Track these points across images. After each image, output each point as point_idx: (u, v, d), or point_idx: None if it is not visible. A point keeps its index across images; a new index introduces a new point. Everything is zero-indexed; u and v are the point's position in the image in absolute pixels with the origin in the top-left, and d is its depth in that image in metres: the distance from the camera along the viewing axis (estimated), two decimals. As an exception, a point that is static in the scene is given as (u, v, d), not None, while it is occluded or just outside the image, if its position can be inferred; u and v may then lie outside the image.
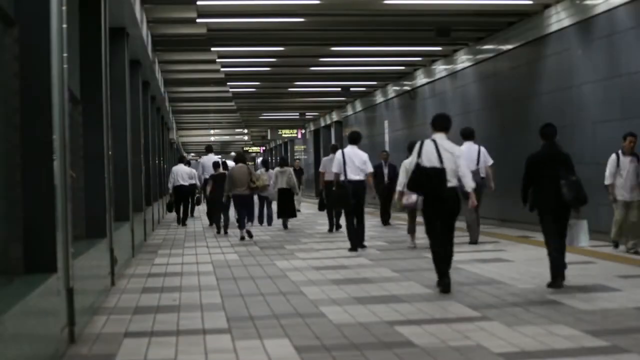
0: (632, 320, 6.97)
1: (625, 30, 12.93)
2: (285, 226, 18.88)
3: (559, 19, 14.99)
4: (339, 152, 13.61)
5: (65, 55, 6.80)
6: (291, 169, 20.08)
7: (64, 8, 6.82)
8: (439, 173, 8.57)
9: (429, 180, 8.57)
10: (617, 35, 13.16)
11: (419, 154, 8.72)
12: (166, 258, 13.47)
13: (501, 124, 18.08)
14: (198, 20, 15.58)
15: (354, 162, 13.31)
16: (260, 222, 19.77)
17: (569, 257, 11.42)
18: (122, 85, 13.62)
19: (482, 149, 13.84)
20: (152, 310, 8.23)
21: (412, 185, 8.81)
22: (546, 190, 8.81)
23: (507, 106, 17.72)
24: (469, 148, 13.53)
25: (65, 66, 6.77)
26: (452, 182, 8.66)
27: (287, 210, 18.70)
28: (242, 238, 16.10)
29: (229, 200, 16.94)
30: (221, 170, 19.41)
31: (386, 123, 28.03)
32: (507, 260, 11.50)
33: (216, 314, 7.85)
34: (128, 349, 6.46)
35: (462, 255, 12.11)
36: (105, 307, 8.55)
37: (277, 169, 19.36)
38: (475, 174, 12.63)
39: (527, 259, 11.46)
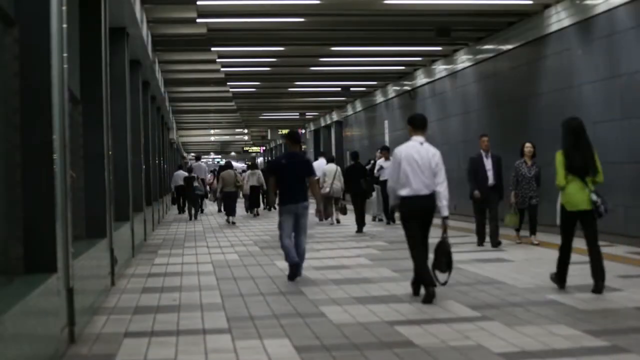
0: (632, 320, 6.97)
1: (625, 30, 12.93)
2: (257, 214, 25.42)
3: (559, 19, 14.98)
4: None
5: (65, 55, 6.80)
6: (259, 171, 26.06)
7: (64, 8, 6.82)
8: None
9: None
10: (617, 35, 13.15)
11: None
12: (166, 258, 13.47)
13: (501, 124, 18.07)
14: (198, 20, 15.58)
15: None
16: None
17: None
18: (122, 85, 13.62)
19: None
20: (152, 310, 8.23)
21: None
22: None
23: (507, 106, 17.72)
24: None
25: (65, 66, 6.77)
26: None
27: (256, 203, 25.93)
28: (231, 222, 22.02)
29: (224, 195, 22.86)
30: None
31: (386, 123, 28.03)
32: (507, 260, 11.50)
33: (216, 314, 7.86)
34: (128, 349, 6.46)
35: (462, 255, 12.11)
36: (105, 307, 8.55)
37: (249, 171, 26.19)
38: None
39: (527, 259, 11.46)
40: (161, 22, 16.65)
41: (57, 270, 6.18)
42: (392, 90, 27.02)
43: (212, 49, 18.88)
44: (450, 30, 17.06)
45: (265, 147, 69.24)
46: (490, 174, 13.29)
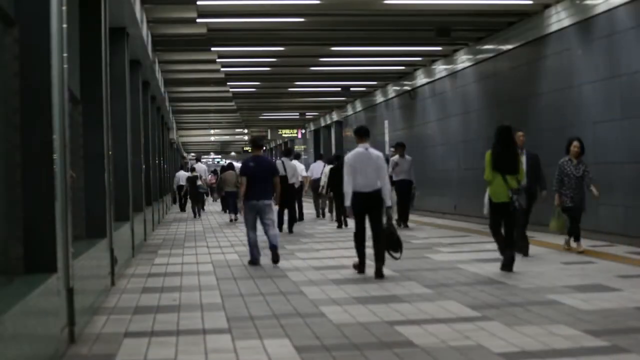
0: (632, 320, 6.97)
1: (625, 30, 12.93)
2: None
3: (559, 19, 14.98)
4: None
5: (65, 55, 6.80)
6: None
7: (64, 8, 6.82)
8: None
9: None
10: (617, 35, 13.16)
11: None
12: (166, 258, 13.47)
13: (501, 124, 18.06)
14: (198, 20, 15.58)
15: None
16: None
17: (569, 256, 11.45)
18: (122, 85, 13.63)
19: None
20: (152, 310, 8.23)
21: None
22: None
23: (507, 106, 17.72)
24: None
25: (65, 66, 6.77)
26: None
27: None
28: (233, 219, 23.14)
29: (226, 195, 24.09)
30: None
31: (386, 123, 28.03)
32: (507, 260, 11.47)
33: (216, 314, 7.86)
34: (128, 349, 6.46)
35: (462, 255, 12.12)
36: (105, 307, 8.55)
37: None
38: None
39: (527, 259, 11.45)
40: (161, 22, 16.65)
41: (57, 270, 6.18)
42: (392, 90, 27.01)
43: (212, 49, 18.88)
44: (450, 30, 17.06)
45: (265, 147, 69.23)
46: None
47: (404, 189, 17.70)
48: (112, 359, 6.16)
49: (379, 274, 9.96)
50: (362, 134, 10.57)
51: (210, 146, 70.33)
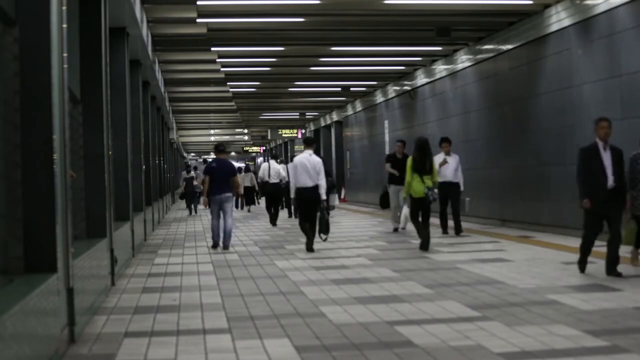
0: (632, 320, 6.97)
1: (625, 30, 12.93)
2: (249, 211, 29.46)
3: (559, 19, 14.98)
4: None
5: (65, 55, 6.79)
6: (252, 173, 30.78)
7: (64, 8, 6.82)
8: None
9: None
10: (617, 35, 13.16)
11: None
12: (166, 258, 13.47)
13: (501, 124, 18.08)
14: (198, 20, 15.57)
15: None
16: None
17: (569, 256, 11.45)
18: (122, 85, 13.63)
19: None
20: (152, 310, 8.23)
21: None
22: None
23: (507, 106, 17.72)
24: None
25: (65, 66, 6.76)
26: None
27: (251, 201, 30.56)
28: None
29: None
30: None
31: (386, 123, 28.04)
32: (507, 260, 11.49)
33: (216, 314, 7.86)
34: (128, 349, 6.46)
35: (462, 255, 12.13)
36: (105, 307, 8.55)
37: (243, 173, 30.23)
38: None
39: (527, 259, 11.46)
40: (161, 22, 16.65)
41: (57, 270, 6.18)
42: (392, 90, 27.02)
43: (212, 49, 18.87)
44: (450, 30, 17.05)
45: (265, 147, 69.20)
46: (609, 172, 9.64)
47: (451, 192, 15.53)
48: (112, 359, 6.17)
49: (310, 248, 13.46)
50: (309, 143, 14.23)
51: (210, 146, 70.24)
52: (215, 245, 14.70)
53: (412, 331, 6.71)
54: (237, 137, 55.16)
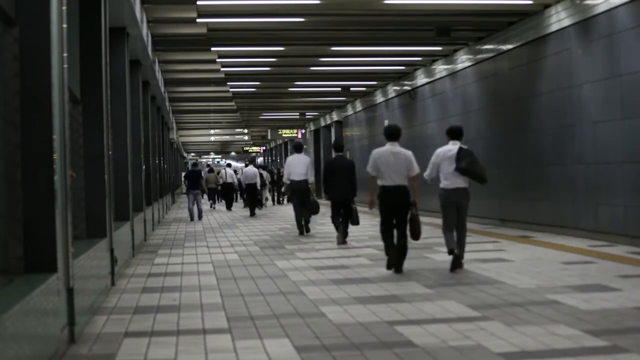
0: (632, 320, 6.97)
1: (625, 30, 12.93)
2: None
3: (559, 18, 14.99)
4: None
5: (65, 55, 6.79)
6: (215, 173, 36.56)
7: (64, 8, 6.82)
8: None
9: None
10: (617, 35, 13.16)
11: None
12: (166, 258, 13.47)
13: (501, 124, 18.08)
14: (198, 20, 15.57)
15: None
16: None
17: (569, 256, 11.46)
18: (122, 85, 13.63)
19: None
20: (152, 310, 8.23)
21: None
22: None
23: (507, 106, 17.72)
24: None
25: (65, 66, 6.76)
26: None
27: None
28: (213, 207, 34.00)
29: (209, 189, 33.94)
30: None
31: (386, 123, 28.02)
32: (507, 260, 11.50)
33: (216, 314, 7.86)
34: (128, 349, 6.46)
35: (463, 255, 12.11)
36: (105, 307, 8.55)
37: (206, 173, 36.38)
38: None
39: (527, 259, 11.46)
40: (161, 22, 16.65)
41: (57, 270, 6.18)
42: (392, 90, 27.02)
43: (212, 49, 18.87)
44: (450, 30, 17.05)
45: (265, 147, 69.22)
46: None
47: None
48: (112, 359, 6.17)
49: (306, 229, 17.12)
50: (299, 149, 17.69)
51: (210, 146, 70.30)
52: (191, 219, 24.41)
53: (412, 331, 6.71)
54: (237, 137, 55.20)
